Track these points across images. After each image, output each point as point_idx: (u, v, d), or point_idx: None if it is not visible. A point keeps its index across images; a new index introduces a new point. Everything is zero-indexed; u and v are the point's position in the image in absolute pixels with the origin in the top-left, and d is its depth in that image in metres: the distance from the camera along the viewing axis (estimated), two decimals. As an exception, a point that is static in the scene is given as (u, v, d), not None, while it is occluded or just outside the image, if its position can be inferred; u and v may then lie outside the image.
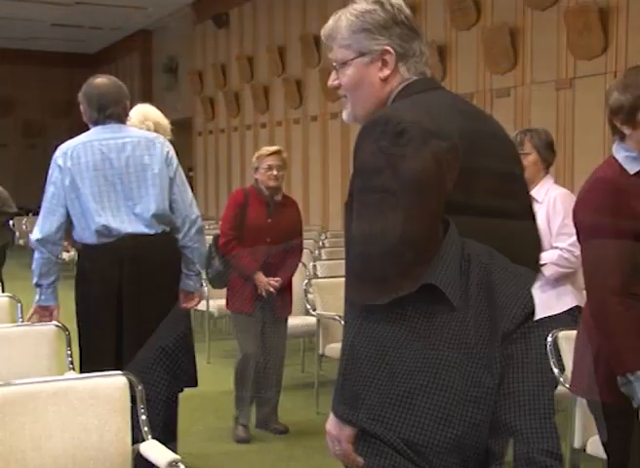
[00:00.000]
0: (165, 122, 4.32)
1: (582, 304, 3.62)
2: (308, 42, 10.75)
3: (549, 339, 3.70)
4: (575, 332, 3.63)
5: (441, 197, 1.72)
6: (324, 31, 1.98)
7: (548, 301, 3.61)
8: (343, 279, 1.83)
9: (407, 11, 1.98)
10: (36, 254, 3.64)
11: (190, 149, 14.23)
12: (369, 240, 1.69)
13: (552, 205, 3.72)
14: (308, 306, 5.38)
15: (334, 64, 1.97)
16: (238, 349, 4.79)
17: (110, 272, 3.59)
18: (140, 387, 2.77)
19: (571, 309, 3.71)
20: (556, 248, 3.66)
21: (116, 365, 3.40)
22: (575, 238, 3.50)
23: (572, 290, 3.73)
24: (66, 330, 3.62)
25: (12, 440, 2.49)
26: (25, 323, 3.77)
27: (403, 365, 1.71)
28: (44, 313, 3.67)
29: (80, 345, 3.67)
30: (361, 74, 1.92)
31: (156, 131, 4.11)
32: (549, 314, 3.58)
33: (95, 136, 3.67)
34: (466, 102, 2.03)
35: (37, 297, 3.67)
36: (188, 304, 3.89)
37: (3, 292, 4.94)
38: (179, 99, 15.30)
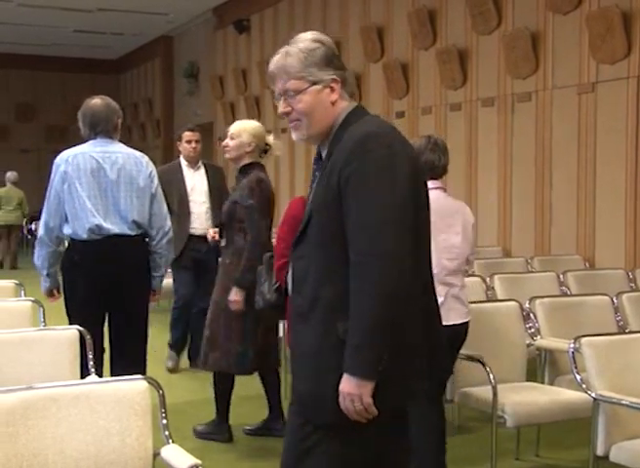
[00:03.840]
0: (278, 145, 4.72)
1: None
2: (329, 47, 10.75)
3: (571, 345, 3.69)
4: (598, 339, 3.61)
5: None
6: (273, 66, 2.35)
7: None
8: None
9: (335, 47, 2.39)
10: (43, 250, 4.27)
11: (211, 154, 14.28)
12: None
13: None
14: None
15: (281, 94, 2.34)
16: None
17: (97, 265, 4.18)
18: (161, 391, 2.78)
19: None
20: None
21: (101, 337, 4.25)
22: None
23: None
24: (88, 334, 3.64)
25: (34, 443, 2.51)
26: (47, 327, 3.81)
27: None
28: (54, 294, 4.38)
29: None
30: (316, 100, 2.30)
31: (265, 150, 4.65)
32: None
33: (91, 149, 4.24)
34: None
35: (47, 285, 4.37)
36: (151, 300, 4.49)
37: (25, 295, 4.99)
38: (200, 104, 15.36)
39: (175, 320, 6.56)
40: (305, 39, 2.33)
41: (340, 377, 2.17)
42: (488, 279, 5.66)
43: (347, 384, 2.15)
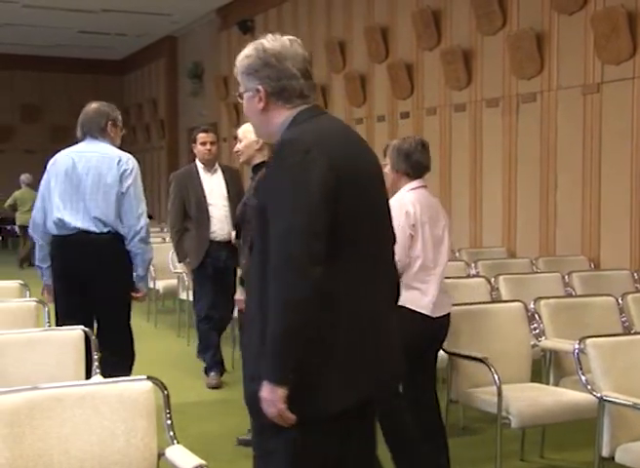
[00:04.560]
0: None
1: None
2: (333, 47, 10.75)
3: (576, 346, 3.68)
4: (604, 340, 3.60)
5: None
6: (234, 71, 2.49)
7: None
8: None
9: (281, 55, 2.34)
10: (36, 244, 4.60)
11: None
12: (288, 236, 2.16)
13: None
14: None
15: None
16: None
17: (65, 258, 4.47)
18: (165, 392, 2.78)
19: None
20: None
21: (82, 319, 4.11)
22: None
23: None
24: (93, 334, 3.64)
25: (39, 443, 2.51)
26: (52, 327, 3.82)
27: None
28: (49, 290, 4.58)
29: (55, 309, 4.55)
30: (249, 105, 2.43)
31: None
32: None
33: (74, 149, 4.57)
34: (347, 127, 2.48)
35: (44, 279, 4.60)
36: (134, 297, 4.65)
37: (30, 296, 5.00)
38: (204, 105, 15.37)
39: (202, 340, 6.14)
40: (249, 47, 2.41)
41: None
42: (493, 279, 5.65)
43: (264, 389, 2.17)
